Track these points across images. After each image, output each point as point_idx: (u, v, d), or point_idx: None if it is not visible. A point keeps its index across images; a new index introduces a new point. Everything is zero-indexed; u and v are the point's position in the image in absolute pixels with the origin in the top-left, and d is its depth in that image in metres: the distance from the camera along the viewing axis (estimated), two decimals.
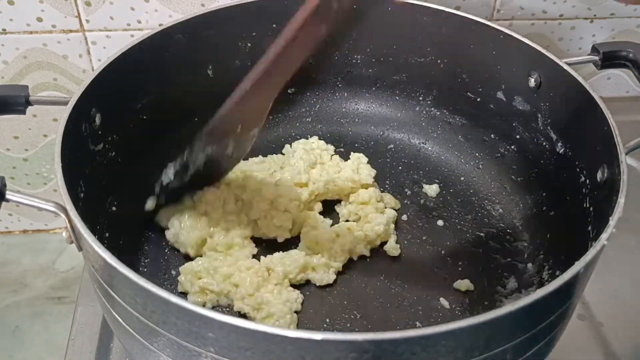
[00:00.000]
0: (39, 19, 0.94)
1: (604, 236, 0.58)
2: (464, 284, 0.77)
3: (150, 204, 0.79)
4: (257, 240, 0.81)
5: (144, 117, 0.85)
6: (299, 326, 0.73)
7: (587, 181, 0.74)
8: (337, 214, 0.85)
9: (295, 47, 0.65)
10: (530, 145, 0.86)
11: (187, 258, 0.79)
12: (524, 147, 0.87)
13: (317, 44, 0.67)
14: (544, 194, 0.84)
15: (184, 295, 0.75)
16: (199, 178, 0.78)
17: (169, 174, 0.77)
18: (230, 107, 0.71)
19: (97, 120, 0.75)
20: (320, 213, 0.84)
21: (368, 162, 0.90)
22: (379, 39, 0.93)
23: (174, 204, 0.81)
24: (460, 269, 0.79)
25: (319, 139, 0.95)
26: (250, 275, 0.74)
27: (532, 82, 0.82)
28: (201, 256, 0.78)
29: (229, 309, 0.74)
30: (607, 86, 1.15)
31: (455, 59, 0.90)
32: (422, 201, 0.88)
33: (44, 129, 1.06)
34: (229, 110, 0.72)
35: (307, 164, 0.88)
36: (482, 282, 0.78)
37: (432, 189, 0.89)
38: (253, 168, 0.87)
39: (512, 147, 0.89)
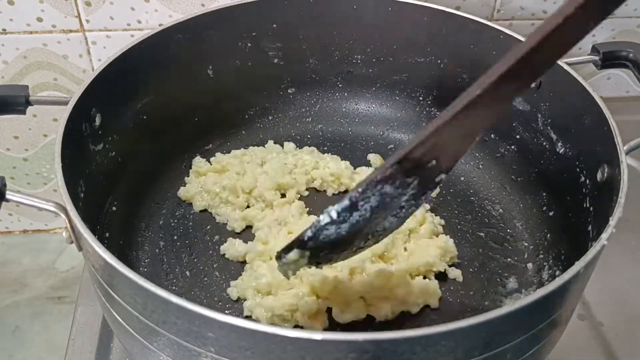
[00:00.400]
0: (39, 19, 0.94)
1: (604, 236, 0.58)
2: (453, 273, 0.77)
3: (291, 257, 0.60)
4: None
5: (144, 117, 0.85)
6: None
7: (587, 181, 0.74)
8: None
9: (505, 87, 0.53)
10: (530, 145, 0.86)
11: (181, 258, 0.79)
12: (524, 147, 0.87)
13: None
14: (544, 194, 0.84)
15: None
16: (354, 233, 0.60)
17: (331, 214, 0.58)
18: (432, 134, 0.56)
19: (97, 120, 0.75)
20: None
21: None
22: (379, 39, 0.93)
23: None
24: (460, 269, 0.79)
25: (320, 138, 0.95)
26: None
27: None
28: None
29: None
30: (607, 86, 1.15)
31: (455, 59, 0.90)
32: None
33: (44, 129, 1.06)
34: (429, 137, 0.56)
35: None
36: (482, 282, 0.78)
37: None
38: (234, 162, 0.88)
39: (512, 147, 0.89)
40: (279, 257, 0.60)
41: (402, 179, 0.58)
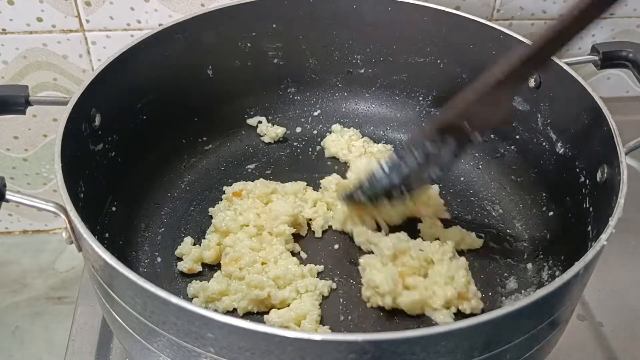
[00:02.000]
0: (39, 19, 0.94)
1: (603, 236, 0.58)
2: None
3: (345, 194, 0.79)
4: None
5: (144, 117, 0.85)
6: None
7: (587, 181, 0.74)
8: None
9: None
10: (530, 145, 0.86)
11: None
12: (524, 147, 0.87)
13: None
14: (544, 194, 0.84)
15: None
16: (404, 183, 0.74)
17: (383, 167, 0.74)
18: (468, 104, 0.67)
19: (97, 120, 0.75)
20: None
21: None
22: (379, 39, 0.93)
23: None
24: None
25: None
26: None
27: (531, 82, 0.82)
28: None
29: None
30: (607, 86, 1.15)
31: (455, 59, 0.90)
32: None
33: (44, 129, 1.06)
34: (465, 107, 0.67)
35: None
36: (482, 282, 0.78)
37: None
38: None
39: (512, 147, 0.89)
40: (343, 199, 0.79)
41: (440, 138, 0.69)
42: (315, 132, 0.98)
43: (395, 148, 0.73)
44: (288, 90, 0.97)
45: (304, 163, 0.94)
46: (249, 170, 0.92)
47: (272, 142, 0.95)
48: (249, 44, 0.91)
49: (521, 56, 0.64)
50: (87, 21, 0.95)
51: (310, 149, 0.96)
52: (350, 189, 0.79)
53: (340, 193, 0.79)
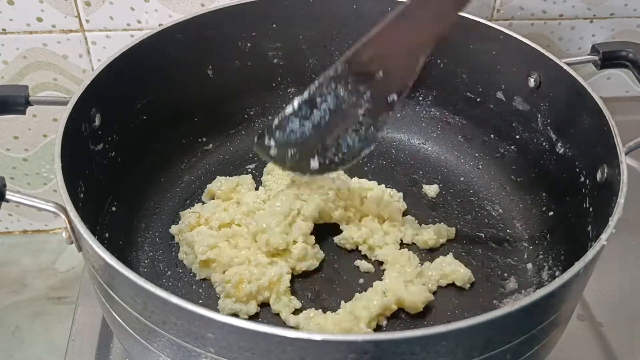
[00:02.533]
0: (39, 19, 0.94)
1: (603, 236, 0.58)
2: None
3: (256, 140, 0.73)
4: None
5: (144, 117, 0.85)
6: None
7: (587, 181, 0.74)
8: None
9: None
10: (530, 145, 0.86)
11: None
12: (524, 147, 0.87)
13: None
14: (544, 194, 0.84)
15: None
16: (317, 137, 0.68)
17: (293, 104, 0.68)
18: (375, 36, 0.61)
19: (97, 120, 0.75)
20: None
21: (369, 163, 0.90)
22: None
23: None
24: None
25: None
26: None
27: (531, 82, 0.82)
28: None
29: None
30: (607, 86, 1.15)
31: (455, 59, 0.90)
32: (422, 201, 0.88)
33: (44, 129, 1.06)
34: (372, 40, 0.61)
35: None
36: (482, 282, 0.78)
37: (431, 189, 0.89)
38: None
39: (512, 147, 0.89)
40: (255, 141, 0.72)
41: (354, 84, 0.64)
42: None
43: (307, 88, 0.67)
44: (288, 90, 0.97)
45: None
46: (249, 170, 0.92)
47: None
48: (249, 44, 0.91)
49: None
50: (87, 21, 0.95)
51: None
52: (261, 131, 0.72)
53: (255, 138, 0.73)
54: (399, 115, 0.97)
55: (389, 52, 0.61)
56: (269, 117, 0.97)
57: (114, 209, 0.79)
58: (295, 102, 0.68)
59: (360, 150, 0.70)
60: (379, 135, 0.69)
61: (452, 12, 0.60)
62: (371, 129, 0.67)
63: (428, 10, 0.59)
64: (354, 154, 0.70)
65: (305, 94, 0.67)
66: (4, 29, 0.95)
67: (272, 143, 0.71)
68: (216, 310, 0.73)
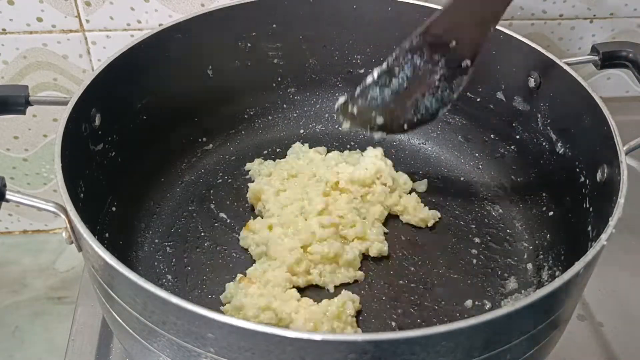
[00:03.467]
0: (39, 19, 0.94)
1: (603, 236, 0.58)
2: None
3: (341, 101, 0.78)
4: None
5: (144, 117, 0.85)
6: None
7: (587, 181, 0.74)
8: None
9: None
10: (530, 145, 0.86)
11: (181, 258, 0.79)
12: (524, 147, 0.87)
13: None
14: (544, 194, 0.84)
15: None
16: (397, 102, 0.74)
17: (373, 75, 0.73)
18: (448, 9, 0.66)
19: (97, 120, 0.75)
20: None
21: None
22: (379, 39, 0.93)
23: None
24: (459, 269, 0.79)
25: (319, 139, 0.96)
26: None
27: (532, 82, 0.82)
28: None
29: None
30: (607, 86, 1.15)
31: None
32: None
33: (44, 129, 1.06)
34: (445, 12, 0.66)
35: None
36: (482, 282, 0.78)
37: (421, 185, 0.89)
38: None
39: (512, 147, 0.89)
40: (337, 109, 0.78)
41: (429, 54, 0.68)
42: None
43: (386, 59, 0.72)
44: (288, 90, 0.97)
45: None
46: (249, 170, 0.92)
47: None
48: (249, 44, 0.91)
49: None
50: (87, 21, 0.95)
51: None
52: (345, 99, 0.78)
53: (338, 103, 0.78)
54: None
55: (461, 22, 0.66)
56: (269, 117, 0.97)
57: (114, 209, 0.79)
58: (375, 73, 0.72)
59: (437, 110, 0.75)
60: (455, 96, 0.74)
61: None
62: (447, 91, 0.72)
63: None
64: (432, 113, 0.76)
65: (384, 65, 0.71)
66: (4, 29, 0.95)
67: (355, 110, 0.76)
68: (217, 310, 0.73)
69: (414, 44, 0.68)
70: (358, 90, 0.75)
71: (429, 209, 0.86)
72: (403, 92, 0.73)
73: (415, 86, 0.72)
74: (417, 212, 0.84)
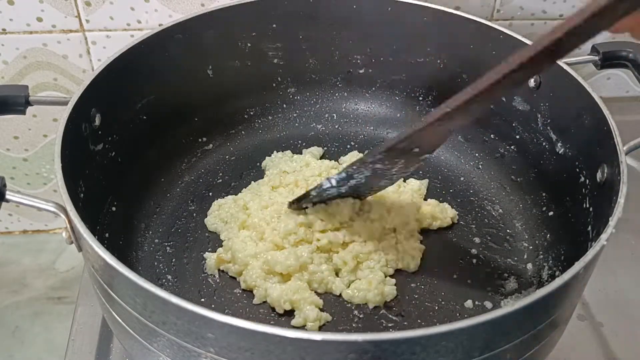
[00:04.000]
0: (39, 19, 0.94)
1: (603, 236, 0.58)
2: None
3: (293, 206, 0.80)
4: None
5: (144, 117, 0.85)
6: None
7: (587, 181, 0.74)
8: None
9: (499, 89, 0.60)
10: (530, 145, 0.86)
11: (181, 258, 0.79)
12: (524, 147, 0.87)
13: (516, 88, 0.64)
14: (544, 194, 0.84)
15: None
16: (353, 190, 0.78)
17: (331, 181, 0.76)
18: (422, 129, 0.65)
19: (97, 120, 0.75)
20: None
21: None
22: (379, 39, 0.93)
23: None
24: (459, 269, 0.79)
25: (319, 139, 0.96)
26: None
27: (532, 82, 0.82)
28: None
29: None
30: (607, 86, 1.15)
31: (455, 59, 0.90)
32: None
33: (44, 129, 1.06)
34: (419, 131, 0.65)
35: None
36: (482, 283, 0.78)
37: (416, 183, 0.89)
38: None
39: (512, 147, 0.89)
40: (289, 206, 0.79)
41: (390, 160, 0.70)
42: None
43: (345, 168, 0.75)
44: (288, 90, 0.98)
45: None
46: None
47: None
48: (249, 44, 0.91)
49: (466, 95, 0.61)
50: (87, 21, 0.95)
51: None
52: (298, 197, 0.80)
53: (289, 202, 0.80)
54: (398, 115, 0.98)
55: (426, 139, 0.67)
56: (269, 117, 0.97)
57: (114, 209, 0.79)
58: (334, 180, 0.75)
59: (385, 186, 0.79)
60: (410, 172, 0.77)
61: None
62: (403, 173, 0.75)
63: (465, 113, 0.62)
64: (382, 189, 0.80)
65: (343, 174, 0.74)
66: (4, 29, 0.95)
67: (310, 205, 0.79)
68: (217, 310, 0.73)
69: (377, 159, 0.70)
70: (314, 192, 0.77)
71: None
72: (360, 185, 0.76)
73: (372, 181, 0.75)
74: (444, 214, 0.84)
